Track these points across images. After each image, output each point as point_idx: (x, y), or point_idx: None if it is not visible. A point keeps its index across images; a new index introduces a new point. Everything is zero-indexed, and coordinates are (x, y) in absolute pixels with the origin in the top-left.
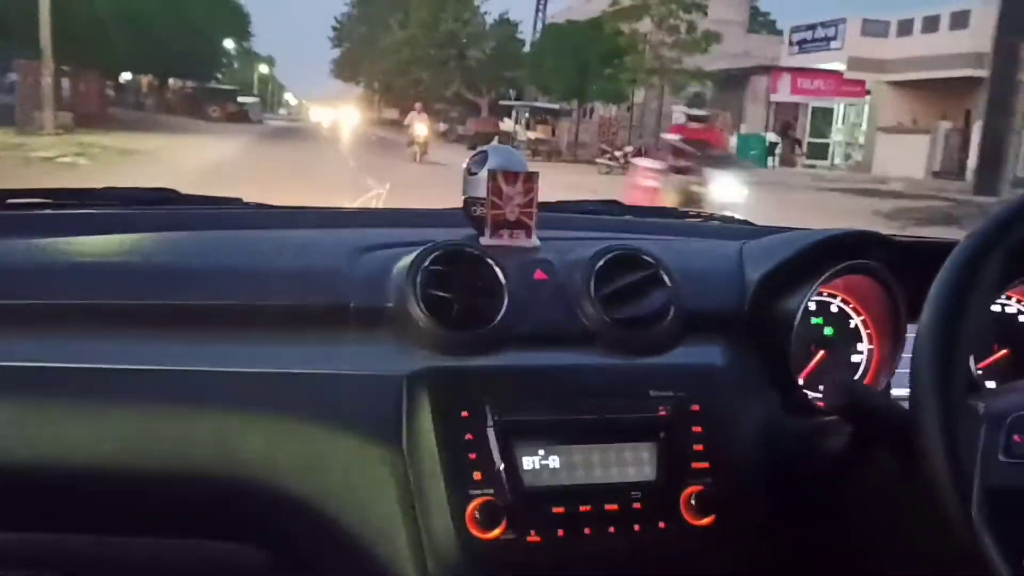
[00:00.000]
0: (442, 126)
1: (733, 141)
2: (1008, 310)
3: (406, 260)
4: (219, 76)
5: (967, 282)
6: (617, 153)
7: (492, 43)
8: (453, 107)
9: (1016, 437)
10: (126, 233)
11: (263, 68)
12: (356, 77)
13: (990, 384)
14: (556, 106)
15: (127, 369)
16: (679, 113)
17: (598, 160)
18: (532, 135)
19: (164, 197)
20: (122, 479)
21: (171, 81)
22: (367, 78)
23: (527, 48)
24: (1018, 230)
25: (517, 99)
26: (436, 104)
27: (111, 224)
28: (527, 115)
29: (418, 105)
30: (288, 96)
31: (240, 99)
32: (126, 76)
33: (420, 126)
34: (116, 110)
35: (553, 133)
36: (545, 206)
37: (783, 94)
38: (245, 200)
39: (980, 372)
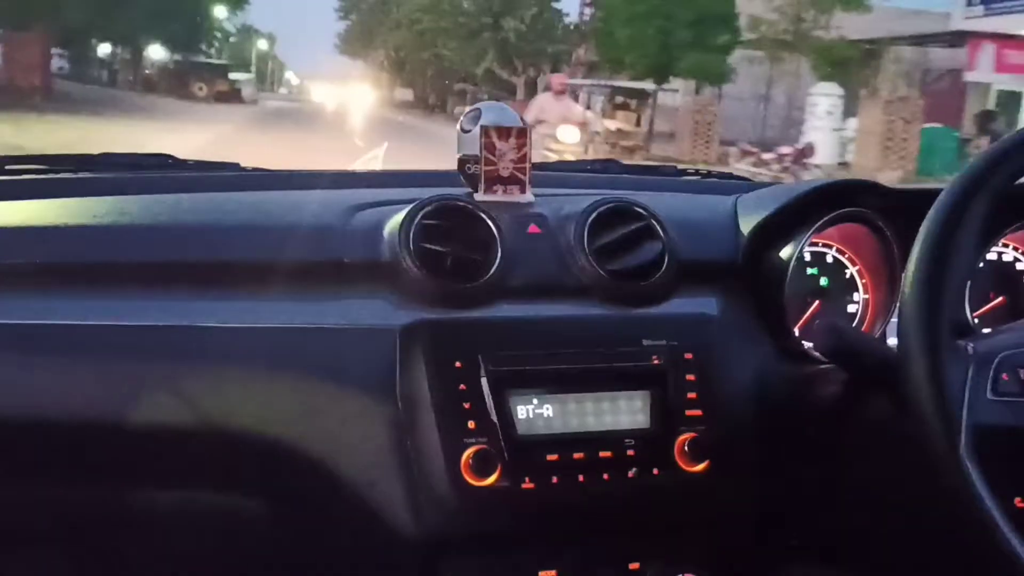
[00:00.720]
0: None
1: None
2: (1005, 258)
3: (400, 215)
4: (210, 51)
5: (952, 223)
6: (768, 156)
7: (532, 10)
8: (479, 88)
9: (1004, 375)
10: (125, 195)
11: (262, 44)
12: (366, 52)
13: (986, 331)
14: (644, 86)
15: (124, 326)
16: (820, 97)
17: (736, 165)
18: (611, 125)
19: (161, 162)
20: (119, 433)
21: (150, 54)
22: (378, 53)
23: (576, 16)
24: (1004, 171)
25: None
26: (457, 84)
27: (107, 188)
28: (603, 98)
29: (556, 81)
30: (289, 75)
31: (232, 76)
32: (104, 49)
33: (568, 130)
34: (72, 86)
35: (638, 122)
36: (542, 166)
37: (983, 71)
38: (243, 165)
39: (977, 320)
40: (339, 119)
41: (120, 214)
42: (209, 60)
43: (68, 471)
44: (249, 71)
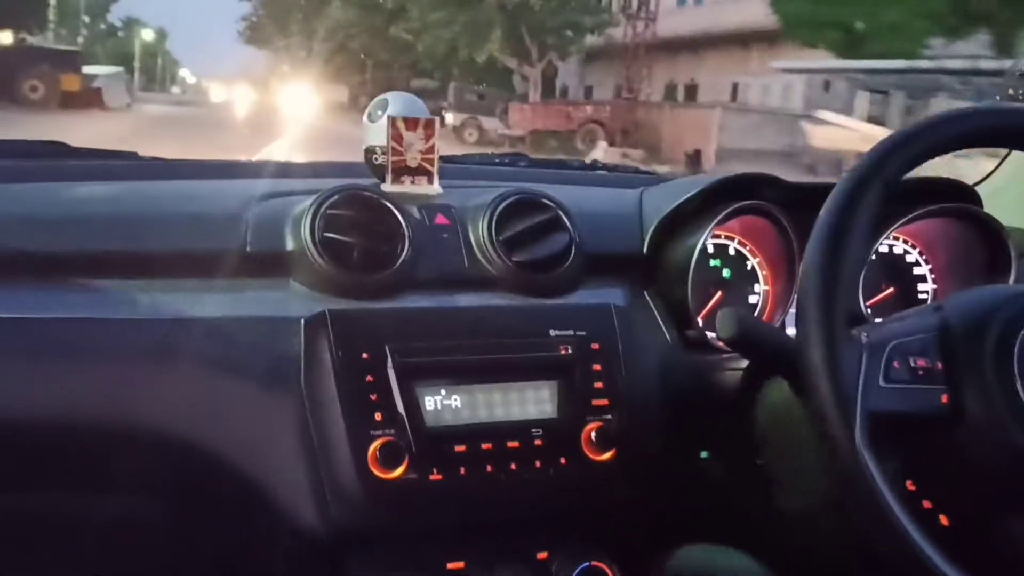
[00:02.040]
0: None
1: None
2: (896, 250)
3: (304, 204)
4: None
5: (845, 216)
6: None
7: None
8: (459, 82)
9: (896, 363)
10: (14, 183)
11: (147, 34)
12: (280, 38)
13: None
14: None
15: (11, 318)
16: None
17: None
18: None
19: (54, 150)
20: (12, 431)
21: None
22: (297, 39)
23: None
24: (892, 165)
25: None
26: (416, 79)
27: (1, 175)
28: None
29: None
30: (184, 73)
31: (89, 70)
32: None
33: None
34: None
35: None
36: (450, 158)
37: None
38: (140, 153)
39: (869, 310)
40: (252, 130)
41: (10, 202)
42: (48, 46)
43: None
44: (119, 65)
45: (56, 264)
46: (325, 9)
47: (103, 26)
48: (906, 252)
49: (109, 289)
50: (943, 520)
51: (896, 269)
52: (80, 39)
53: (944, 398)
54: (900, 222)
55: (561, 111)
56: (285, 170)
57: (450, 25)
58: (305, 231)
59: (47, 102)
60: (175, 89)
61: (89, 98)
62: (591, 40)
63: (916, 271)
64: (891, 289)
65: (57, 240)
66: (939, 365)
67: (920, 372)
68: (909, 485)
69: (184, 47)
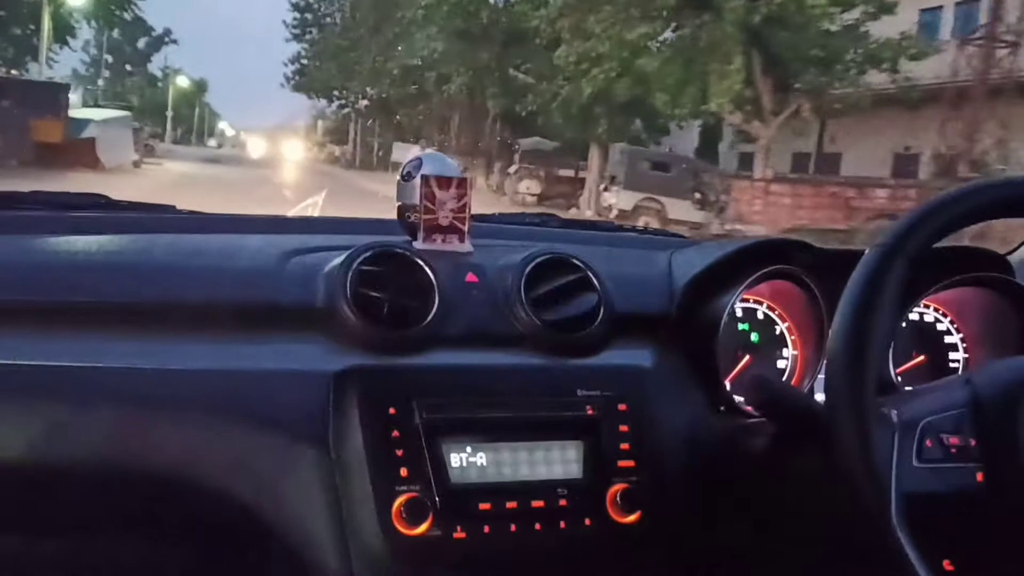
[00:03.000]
0: (616, 196)
1: None
2: (927, 318)
3: (337, 260)
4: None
5: (873, 286)
6: None
7: None
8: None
9: (928, 442)
10: (55, 235)
11: (182, 81)
12: (336, 86)
13: (909, 389)
14: None
15: (53, 366)
16: None
17: None
18: None
19: (95, 202)
20: (43, 477)
21: None
22: (363, 82)
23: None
24: (921, 236)
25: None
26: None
27: (40, 226)
28: None
29: None
30: (223, 125)
31: (79, 113)
32: None
33: None
34: None
35: None
36: (481, 217)
37: None
38: (178, 207)
39: (900, 378)
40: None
41: (52, 253)
42: (28, 78)
43: None
44: (125, 104)
45: (92, 313)
46: (403, 42)
47: (135, 74)
48: (937, 320)
49: (143, 339)
50: None
51: (927, 337)
52: (101, 82)
53: (979, 476)
54: (931, 291)
55: (836, 197)
56: (319, 225)
57: (669, 63)
58: (337, 286)
59: (9, 157)
60: (211, 142)
61: (77, 152)
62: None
63: (947, 339)
64: (922, 357)
65: (95, 290)
66: (972, 442)
67: (953, 450)
68: (947, 565)
69: (224, 98)
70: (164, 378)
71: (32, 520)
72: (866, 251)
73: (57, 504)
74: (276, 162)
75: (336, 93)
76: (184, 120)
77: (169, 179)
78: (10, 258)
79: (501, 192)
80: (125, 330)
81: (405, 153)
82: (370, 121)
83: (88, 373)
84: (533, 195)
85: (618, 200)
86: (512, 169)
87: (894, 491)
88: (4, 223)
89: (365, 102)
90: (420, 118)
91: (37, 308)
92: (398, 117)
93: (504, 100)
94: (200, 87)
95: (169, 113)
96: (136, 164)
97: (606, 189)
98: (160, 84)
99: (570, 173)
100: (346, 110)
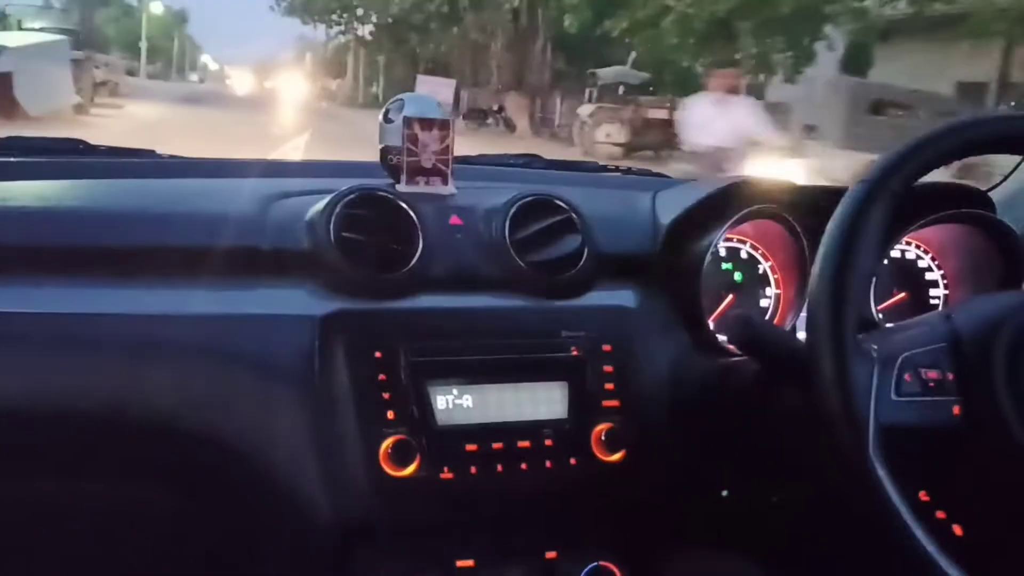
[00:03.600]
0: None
1: None
2: (908, 255)
3: (321, 204)
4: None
5: (856, 223)
6: None
7: None
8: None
9: (907, 376)
10: (34, 180)
11: (155, 7)
12: (336, 8)
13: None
14: None
15: (33, 313)
16: None
17: None
18: None
19: (72, 147)
20: (29, 423)
21: None
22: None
23: None
24: (904, 172)
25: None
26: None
27: (16, 172)
28: None
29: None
30: (206, 59)
31: None
32: None
33: None
34: None
35: None
36: (464, 159)
37: None
38: (159, 152)
39: (881, 315)
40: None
41: (31, 198)
42: None
43: None
44: (62, 29)
45: (73, 259)
46: None
47: (110, 3)
48: (918, 258)
49: (123, 285)
50: (957, 530)
51: (908, 274)
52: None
53: (956, 409)
54: (913, 228)
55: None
56: (302, 169)
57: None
58: (321, 230)
59: None
60: (193, 76)
61: None
62: None
63: (928, 276)
64: (903, 294)
65: (75, 236)
66: (950, 376)
67: (931, 384)
68: (923, 496)
69: (207, 30)
70: (148, 323)
71: (18, 465)
72: (850, 186)
73: (42, 450)
74: (267, 101)
75: (335, 17)
76: (163, 54)
77: (121, 132)
78: None
79: (564, 142)
80: (107, 276)
81: (433, 89)
82: (379, 52)
83: (71, 319)
84: (618, 145)
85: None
86: (586, 111)
87: (872, 424)
88: None
89: (370, 27)
90: (441, 47)
91: (15, 255)
92: (414, 45)
93: (582, 16)
94: (180, 17)
95: (143, 45)
96: (80, 109)
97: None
98: (135, 14)
99: (662, 114)
100: (347, 37)
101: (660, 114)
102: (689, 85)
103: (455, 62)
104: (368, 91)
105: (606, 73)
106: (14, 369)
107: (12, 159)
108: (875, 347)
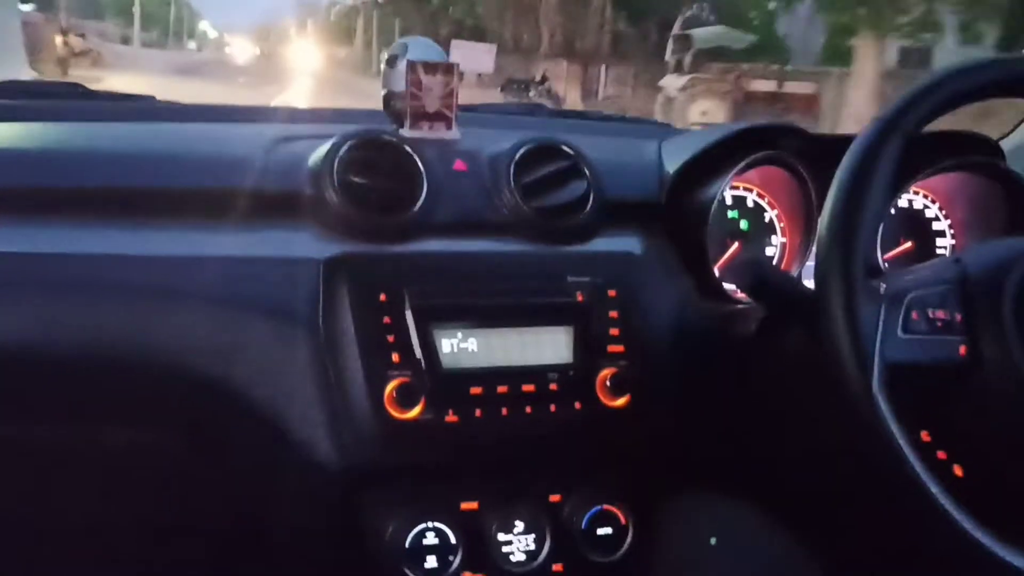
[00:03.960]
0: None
1: None
2: (915, 205)
3: (324, 147)
4: None
5: (865, 168)
6: None
7: None
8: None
9: (914, 314)
10: (31, 121)
11: None
12: None
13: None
14: None
15: (32, 253)
16: None
17: None
18: None
19: (71, 91)
20: (32, 365)
21: None
22: None
23: None
24: (913, 117)
25: None
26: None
27: (15, 114)
28: None
29: None
30: (204, 26)
31: None
32: None
33: None
34: None
35: None
36: (469, 107)
37: None
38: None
39: (887, 264)
40: None
41: (29, 140)
42: None
43: None
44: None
45: (71, 201)
46: None
47: None
48: (926, 207)
49: (125, 226)
50: (957, 471)
51: (915, 224)
52: None
53: (962, 349)
54: (920, 176)
55: None
56: (303, 115)
57: None
58: (324, 173)
59: None
60: (191, 44)
61: None
62: None
63: (935, 226)
64: (909, 243)
65: (73, 177)
66: (958, 316)
67: (939, 323)
68: (924, 436)
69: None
70: (150, 265)
71: (22, 408)
72: (859, 132)
73: (47, 392)
74: (271, 71)
75: None
76: (160, 21)
77: None
78: None
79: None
80: (108, 218)
81: (470, 56)
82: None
83: (71, 260)
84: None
85: None
86: (676, 83)
87: (877, 360)
88: None
89: None
90: (476, 7)
91: (16, 195)
92: (439, 6)
93: None
94: None
95: (136, 10)
96: None
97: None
98: None
99: (770, 86)
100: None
101: (766, 86)
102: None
103: (492, 25)
104: (382, 59)
105: (704, 35)
106: (18, 311)
107: (10, 101)
108: (883, 285)
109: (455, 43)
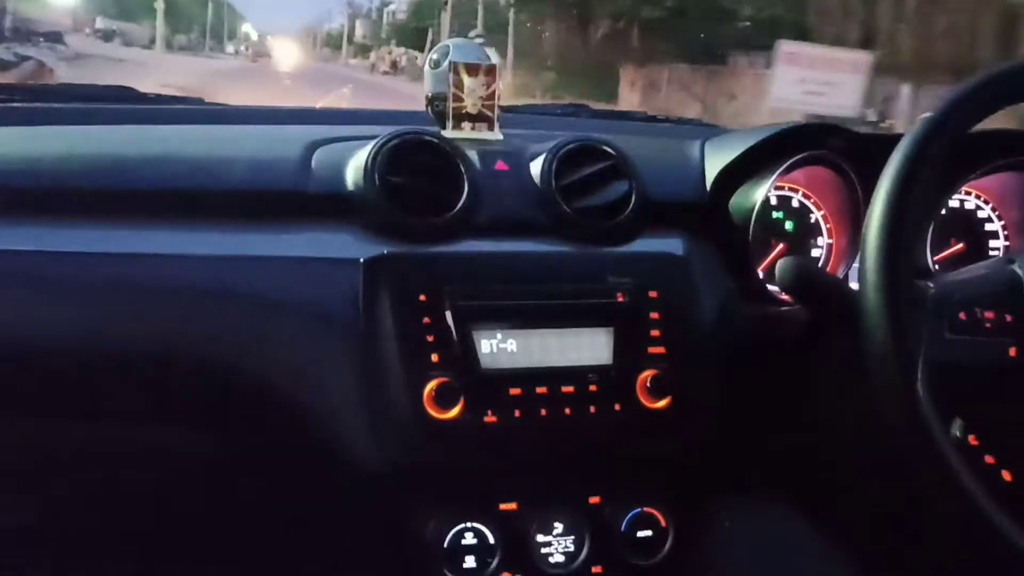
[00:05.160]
0: None
1: None
2: (967, 205)
3: (366, 148)
4: None
5: (913, 168)
6: None
7: None
8: None
9: (962, 315)
10: (82, 124)
11: None
12: None
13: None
14: None
15: (83, 253)
16: None
17: None
18: None
19: (122, 94)
20: (79, 362)
21: None
22: None
23: None
24: (962, 114)
25: None
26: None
27: (68, 118)
28: None
29: None
30: (247, 29)
31: None
32: None
33: None
34: None
35: None
36: (512, 108)
37: None
38: (206, 100)
39: (937, 266)
40: None
41: (81, 143)
42: None
43: (17, 401)
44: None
45: (121, 202)
46: None
47: None
48: (978, 207)
49: (170, 227)
50: (1006, 475)
51: (967, 224)
52: None
53: (1012, 351)
54: (972, 176)
55: None
56: (348, 117)
57: None
58: (366, 174)
59: None
60: (230, 48)
61: None
62: None
63: (988, 227)
64: (961, 245)
65: (122, 179)
66: (1008, 318)
67: (988, 324)
68: (972, 440)
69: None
70: (194, 264)
71: (66, 407)
72: (907, 131)
73: (91, 392)
74: (323, 77)
75: None
76: (198, 21)
77: None
78: (40, 149)
79: None
80: (156, 218)
81: (826, 72)
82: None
83: (122, 260)
84: None
85: None
86: None
87: (922, 361)
88: (33, 115)
89: None
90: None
91: (68, 196)
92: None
93: None
94: None
95: (159, 6)
96: None
97: None
98: None
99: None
100: None
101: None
102: None
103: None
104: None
105: None
106: (66, 309)
107: (65, 105)
108: (930, 285)
109: (784, 48)
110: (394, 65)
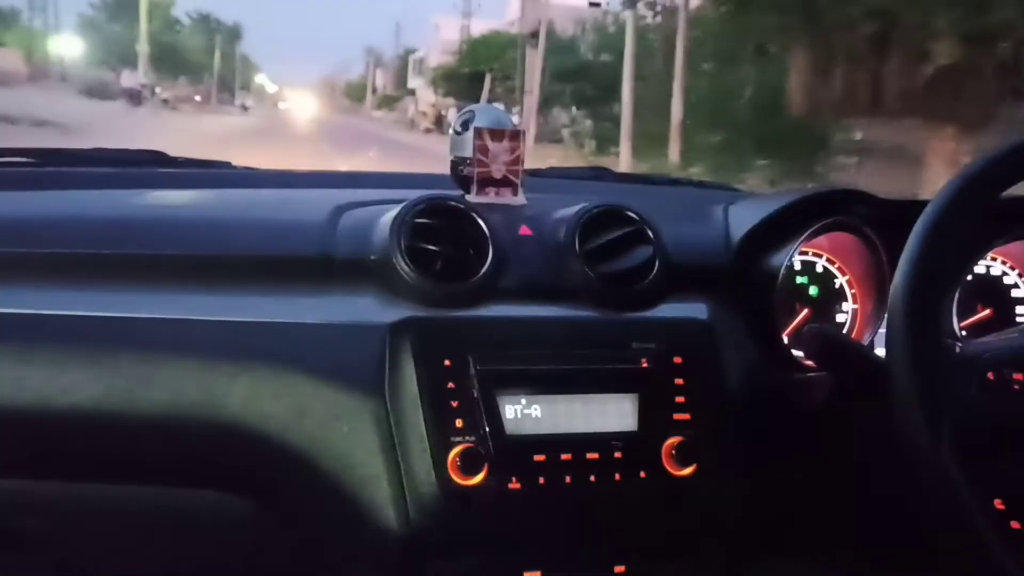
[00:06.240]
0: None
1: None
2: (993, 271)
3: (391, 213)
4: None
5: (939, 236)
6: None
7: None
8: None
9: (990, 374)
10: (115, 189)
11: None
12: None
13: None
14: None
15: (111, 317)
16: None
17: None
18: None
19: (153, 159)
20: (106, 426)
21: None
22: None
23: None
24: (989, 183)
25: None
26: None
27: (100, 182)
28: None
29: None
30: (261, 79)
31: None
32: None
33: None
34: None
35: None
36: (536, 172)
37: None
38: (234, 164)
39: (964, 332)
40: None
41: (111, 207)
42: None
43: (47, 465)
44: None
45: (151, 267)
46: None
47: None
48: (1004, 274)
49: (200, 291)
50: None
51: (994, 291)
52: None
53: None
54: (999, 242)
55: None
56: (372, 180)
57: None
58: (391, 239)
59: None
60: (247, 100)
61: None
62: None
63: (1015, 293)
64: (987, 311)
65: (151, 243)
66: None
67: (1016, 386)
68: (998, 504)
69: (265, 49)
70: (220, 329)
71: (87, 467)
72: (933, 198)
73: (117, 454)
74: (347, 137)
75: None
76: (205, 71)
77: None
78: (73, 212)
79: None
80: (182, 283)
81: None
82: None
83: (148, 324)
84: None
85: None
86: None
87: (950, 421)
88: (66, 178)
89: None
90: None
91: (98, 260)
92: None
93: None
94: (233, 33)
95: (141, 48)
96: None
97: None
98: (179, 28)
99: None
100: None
101: None
102: None
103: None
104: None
105: None
106: (90, 372)
107: (96, 169)
108: (959, 345)
109: None
110: (439, 121)
